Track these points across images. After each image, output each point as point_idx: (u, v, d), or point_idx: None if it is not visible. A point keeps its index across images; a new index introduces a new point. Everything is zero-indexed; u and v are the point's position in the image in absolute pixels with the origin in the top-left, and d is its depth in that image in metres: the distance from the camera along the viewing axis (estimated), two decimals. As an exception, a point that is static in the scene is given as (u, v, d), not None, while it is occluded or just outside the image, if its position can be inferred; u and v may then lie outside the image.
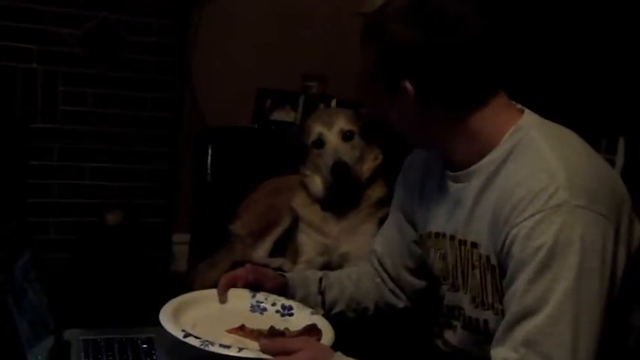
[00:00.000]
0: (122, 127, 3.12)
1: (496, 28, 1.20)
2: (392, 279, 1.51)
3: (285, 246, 2.15)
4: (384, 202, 1.90)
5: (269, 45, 3.36)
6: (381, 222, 1.72)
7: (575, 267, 1.05)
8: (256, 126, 3.10)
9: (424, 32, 1.16)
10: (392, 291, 1.51)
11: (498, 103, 1.22)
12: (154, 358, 1.29)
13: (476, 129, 1.21)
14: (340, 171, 1.87)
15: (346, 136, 1.93)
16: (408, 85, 1.18)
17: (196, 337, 1.16)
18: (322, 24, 3.39)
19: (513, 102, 1.26)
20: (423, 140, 1.30)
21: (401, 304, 1.51)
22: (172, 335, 1.19)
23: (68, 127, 3.02)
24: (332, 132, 1.93)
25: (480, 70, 1.19)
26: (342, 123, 1.94)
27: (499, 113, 1.22)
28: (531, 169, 1.12)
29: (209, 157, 2.53)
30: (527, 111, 1.24)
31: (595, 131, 1.44)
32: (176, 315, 1.26)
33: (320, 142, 1.94)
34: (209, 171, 2.55)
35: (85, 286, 2.66)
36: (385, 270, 1.51)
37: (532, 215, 1.08)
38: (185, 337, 1.17)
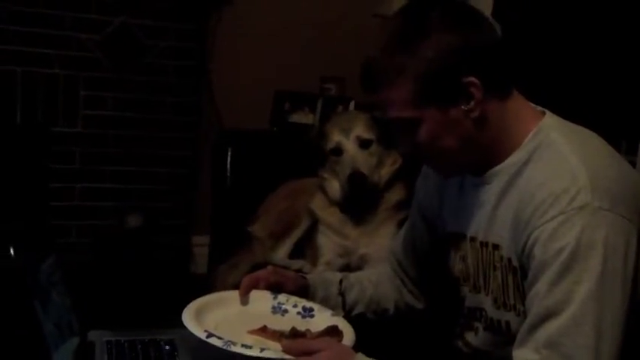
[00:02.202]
0: (142, 130, 3.15)
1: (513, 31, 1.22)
2: (411, 280, 1.51)
3: (304, 248, 2.16)
4: (403, 204, 1.91)
5: (287, 47, 3.37)
6: (400, 224, 1.72)
7: (598, 269, 1.04)
8: (275, 128, 3.11)
9: (462, 32, 1.16)
10: (411, 292, 1.51)
11: (520, 99, 1.23)
12: (177, 359, 1.30)
13: (510, 121, 1.20)
14: (357, 181, 1.88)
15: (364, 144, 1.93)
16: (474, 79, 1.15)
17: (219, 338, 1.17)
18: (340, 26, 3.39)
19: (535, 105, 1.26)
20: (470, 155, 1.23)
21: (420, 306, 1.52)
22: (195, 336, 1.20)
23: (89, 131, 3.06)
24: (349, 140, 1.94)
25: (512, 57, 1.20)
26: (359, 130, 1.94)
27: (523, 111, 1.22)
28: (553, 171, 1.12)
29: (228, 160, 2.55)
30: (548, 113, 1.24)
31: (615, 133, 1.43)
32: (198, 316, 1.27)
33: (338, 150, 1.95)
34: (228, 173, 2.56)
35: (106, 289, 2.68)
36: (404, 271, 1.51)
37: (554, 217, 1.08)
38: (208, 337, 1.18)
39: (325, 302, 1.43)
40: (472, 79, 1.15)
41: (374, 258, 1.90)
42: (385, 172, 1.96)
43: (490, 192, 1.23)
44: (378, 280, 1.53)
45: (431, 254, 1.46)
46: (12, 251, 1.07)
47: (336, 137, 1.95)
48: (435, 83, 1.15)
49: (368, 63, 1.21)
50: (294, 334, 1.23)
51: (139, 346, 1.35)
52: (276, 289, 1.40)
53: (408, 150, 1.26)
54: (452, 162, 1.25)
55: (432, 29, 1.15)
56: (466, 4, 1.23)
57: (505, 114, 1.21)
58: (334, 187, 1.98)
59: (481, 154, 1.23)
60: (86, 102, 3.03)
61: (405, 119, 1.19)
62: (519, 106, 1.23)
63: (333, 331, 1.24)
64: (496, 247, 1.22)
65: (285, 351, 1.14)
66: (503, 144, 1.21)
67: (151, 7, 3.07)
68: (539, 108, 1.26)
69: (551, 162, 1.14)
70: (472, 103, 1.16)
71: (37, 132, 2.97)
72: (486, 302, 1.27)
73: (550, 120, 1.22)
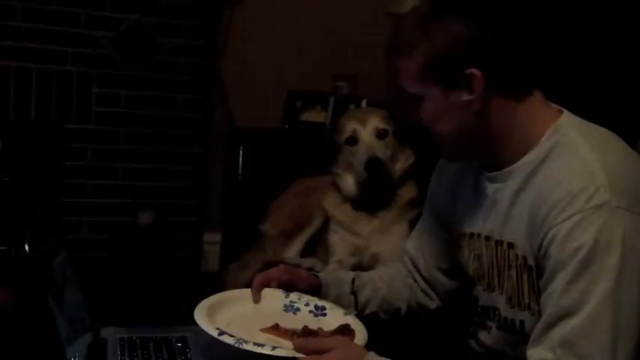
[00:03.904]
0: (154, 127, 3.15)
1: (533, 25, 1.20)
2: (424, 279, 1.50)
3: (316, 246, 2.16)
4: (416, 202, 1.90)
5: (299, 46, 3.36)
6: (413, 223, 1.71)
7: (615, 268, 1.04)
8: (287, 127, 3.11)
9: (477, 21, 1.15)
10: (424, 291, 1.51)
11: (538, 99, 1.22)
12: (189, 356, 1.31)
13: (522, 121, 1.20)
14: (374, 167, 1.87)
15: (380, 134, 1.93)
16: (477, 72, 1.15)
17: (231, 336, 1.17)
18: (352, 24, 3.38)
19: (550, 103, 1.25)
20: (468, 145, 1.24)
21: (433, 305, 1.51)
22: (207, 333, 1.20)
23: (102, 127, 3.07)
24: (366, 129, 1.93)
25: (532, 55, 1.20)
26: (376, 121, 1.94)
27: (539, 111, 1.21)
28: (571, 170, 1.11)
29: (240, 158, 2.56)
30: (565, 111, 1.23)
31: (631, 131, 1.41)
32: (211, 313, 1.27)
33: (354, 139, 1.94)
34: (240, 171, 2.57)
35: (118, 285, 2.69)
36: (418, 270, 1.51)
37: (571, 216, 1.07)
38: (220, 334, 1.18)
39: (337, 301, 1.43)
40: (475, 71, 1.15)
41: (386, 257, 1.90)
42: (399, 167, 1.96)
43: (505, 190, 1.22)
44: (391, 280, 1.52)
45: (444, 253, 1.45)
46: (27, 247, 1.07)
47: (351, 126, 1.95)
48: (440, 67, 1.17)
49: (396, 26, 1.24)
50: (306, 332, 1.23)
51: (151, 343, 1.35)
52: (288, 287, 1.40)
53: (419, 119, 1.28)
54: (450, 146, 1.26)
55: (446, 14, 1.16)
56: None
57: (518, 113, 1.20)
58: (348, 182, 1.98)
59: (484, 147, 1.23)
60: (99, 99, 3.04)
61: (411, 91, 1.22)
62: (537, 105, 1.22)
63: (345, 330, 1.24)
64: (511, 245, 1.21)
65: (296, 349, 1.14)
66: (517, 142, 1.20)
67: (164, 5, 3.07)
68: (556, 106, 1.24)
69: (569, 161, 1.13)
70: (473, 95, 1.17)
71: (50, 129, 2.99)
72: (500, 301, 1.27)
73: (567, 119, 1.21)
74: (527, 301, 1.20)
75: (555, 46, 2.41)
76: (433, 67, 1.17)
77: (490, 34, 1.16)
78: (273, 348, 1.14)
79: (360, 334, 1.24)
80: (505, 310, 1.26)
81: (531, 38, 1.18)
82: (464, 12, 1.16)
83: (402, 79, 1.23)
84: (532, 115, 1.21)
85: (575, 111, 1.24)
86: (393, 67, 1.24)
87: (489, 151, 1.23)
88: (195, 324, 1.23)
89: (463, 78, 1.16)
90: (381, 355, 1.13)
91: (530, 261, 1.17)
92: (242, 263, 2.26)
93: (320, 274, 1.49)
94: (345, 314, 1.35)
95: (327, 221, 2.08)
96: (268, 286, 1.39)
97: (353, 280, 1.49)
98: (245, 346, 1.14)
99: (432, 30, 1.16)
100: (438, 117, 1.22)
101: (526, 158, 1.19)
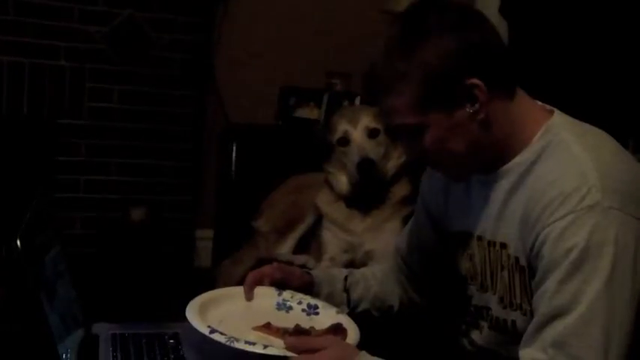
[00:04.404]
0: (147, 123, 3.14)
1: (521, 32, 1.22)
2: (416, 277, 1.50)
3: (309, 243, 2.16)
4: (409, 200, 1.90)
5: (293, 42, 3.36)
6: (406, 220, 1.72)
7: (608, 269, 1.04)
8: (280, 123, 3.11)
9: (462, 34, 1.14)
10: (416, 289, 1.51)
11: (525, 96, 1.22)
12: (181, 353, 1.31)
13: (517, 120, 1.19)
14: (366, 168, 1.87)
15: (372, 134, 1.93)
16: (476, 80, 1.14)
17: (222, 334, 1.17)
18: (346, 21, 3.38)
19: (543, 103, 1.25)
20: (478, 157, 1.22)
21: (425, 302, 1.51)
22: (198, 331, 1.20)
23: (94, 123, 3.05)
24: (357, 129, 1.93)
25: (512, 60, 1.19)
26: (367, 120, 1.94)
27: (530, 110, 1.21)
28: (563, 170, 1.12)
29: (233, 154, 2.55)
30: (557, 111, 1.23)
31: (622, 131, 1.42)
32: (202, 311, 1.27)
33: (345, 140, 1.94)
34: (233, 168, 2.56)
35: (109, 281, 2.69)
36: (410, 268, 1.51)
37: (564, 216, 1.07)
38: (211, 333, 1.18)
39: (330, 299, 1.43)
40: (475, 80, 1.14)
41: (379, 254, 1.90)
42: (392, 165, 1.96)
43: (498, 190, 1.22)
44: (383, 277, 1.52)
45: (436, 252, 1.45)
46: (18, 243, 1.06)
47: (343, 127, 1.95)
48: (438, 87, 1.13)
49: (370, 71, 1.20)
50: (298, 331, 1.23)
51: (144, 339, 1.35)
52: (281, 285, 1.39)
53: (416, 156, 1.25)
54: (461, 166, 1.24)
55: (431, 33, 1.14)
56: (464, 6, 1.21)
57: (511, 113, 1.20)
58: (341, 180, 1.98)
59: (489, 154, 1.21)
60: (92, 94, 3.03)
61: (410, 125, 1.17)
62: (526, 104, 1.22)
63: (337, 329, 1.24)
64: (504, 245, 1.21)
65: (288, 348, 1.14)
66: (510, 143, 1.20)
67: (157, 0, 3.06)
68: (547, 106, 1.25)
69: (561, 161, 1.13)
70: (477, 105, 1.15)
71: (43, 124, 2.97)
72: (492, 301, 1.27)
73: (559, 118, 1.21)
74: (519, 301, 1.20)
75: (547, 46, 2.42)
76: (432, 90, 1.14)
77: (477, 36, 1.15)
78: (265, 347, 1.14)
79: (353, 334, 1.24)
80: (497, 310, 1.26)
81: (520, 36, 1.19)
82: (448, 25, 1.14)
83: (394, 118, 1.18)
84: (524, 114, 1.21)
85: (566, 111, 1.24)
86: (380, 112, 1.21)
87: (492, 155, 1.22)
88: (188, 320, 1.23)
89: (464, 90, 1.14)
90: (373, 354, 1.13)
91: (523, 261, 1.17)
92: (235, 260, 2.26)
93: (313, 272, 1.49)
94: (338, 313, 1.35)
95: (320, 218, 2.09)
96: (261, 283, 1.39)
97: (345, 278, 1.49)
98: (236, 345, 1.14)
99: (421, 52, 1.13)
100: (446, 139, 1.17)
101: (518, 158, 1.19)
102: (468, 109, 1.15)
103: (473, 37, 1.15)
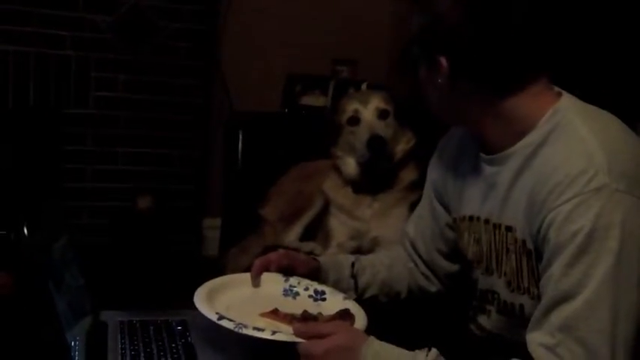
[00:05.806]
0: (153, 112, 3.15)
1: (543, 15, 1.19)
2: (424, 263, 1.50)
3: (316, 230, 2.16)
4: (417, 185, 1.89)
5: (299, 30, 3.35)
6: (413, 205, 1.70)
7: (615, 252, 1.03)
8: (286, 111, 3.10)
9: (469, 10, 1.14)
10: (424, 275, 1.51)
11: (536, 88, 1.19)
12: (189, 339, 1.31)
13: (510, 113, 1.19)
14: (376, 145, 1.86)
15: (382, 114, 1.93)
16: (443, 62, 1.17)
17: (230, 320, 1.17)
18: (353, 9, 3.36)
19: (551, 85, 1.24)
20: (455, 119, 1.31)
21: (433, 288, 1.51)
22: (206, 318, 1.20)
23: (100, 112, 3.06)
24: (368, 109, 1.93)
25: (519, 58, 1.17)
26: (377, 101, 1.94)
27: (536, 97, 1.20)
28: (570, 152, 1.11)
29: (239, 142, 2.54)
30: (565, 94, 1.21)
31: (630, 114, 1.41)
32: (210, 298, 1.28)
33: (355, 119, 1.94)
34: (239, 156, 2.55)
35: (118, 270, 2.70)
36: (418, 254, 1.50)
37: (570, 199, 1.07)
38: (219, 319, 1.18)
39: (337, 285, 1.43)
40: (442, 59, 1.18)
41: (386, 240, 1.89)
42: (400, 149, 1.95)
43: (504, 173, 1.21)
44: (391, 263, 1.52)
45: (445, 237, 1.45)
46: (25, 231, 1.07)
47: (353, 107, 1.94)
48: (420, 43, 1.23)
49: None
50: (306, 317, 1.23)
51: (151, 326, 1.35)
52: (287, 271, 1.40)
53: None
54: (439, 112, 1.28)
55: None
56: None
57: (511, 104, 1.18)
58: (349, 163, 1.97)
59: (478, 128, 1.24)
60: (97, 83, 3.04)
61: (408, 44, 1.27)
62: (535, 91, 1.19)
63: (344, 315, 1.24)
64: (509, 229, 1.21)
65: (296, 334, 1.14)
66: (515, 126, 1.19)
67: (162, -11, 3.06)
68: (556, 89, 1.23)
69: (568, 143, 1.12)
70: (440, 79, 1.19)
71: (49, 113, 2.98)
72: (499, 285, 1.26)
73: (567, 101, 1.19)
74: (526, 284, 1.20)
75: (555, 28, 2.39)
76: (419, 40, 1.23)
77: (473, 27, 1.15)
78: (273, 333, 1.14)
79: (360, 319, 1.24)
80: (505, 294, 1.26)
81: (521, 28, 1.17)
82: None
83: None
84: (524, 104, 1.18)
85: (574, 94, 1.23)
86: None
87: (477, 133, 1.26)
88: (195, 308, 1.23)
89: (432, 60, 1.20)
90: (380, 339, 1.13)
91: (529, 244, 1.17)
92: (242, 248, 2.26)
93: (319, 258, 1.49)
94: (345, 299, 1.35)
95: (327, 205, 2.08)
96: (268, 270, 1.39)
97: (352, 264, 1.49)
98: (245, 331, 1.14)
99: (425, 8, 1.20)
100: (424, 81, 1.25)
101: (524, 141, 1.18)
102: (434, 76, 1.21)
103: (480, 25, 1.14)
